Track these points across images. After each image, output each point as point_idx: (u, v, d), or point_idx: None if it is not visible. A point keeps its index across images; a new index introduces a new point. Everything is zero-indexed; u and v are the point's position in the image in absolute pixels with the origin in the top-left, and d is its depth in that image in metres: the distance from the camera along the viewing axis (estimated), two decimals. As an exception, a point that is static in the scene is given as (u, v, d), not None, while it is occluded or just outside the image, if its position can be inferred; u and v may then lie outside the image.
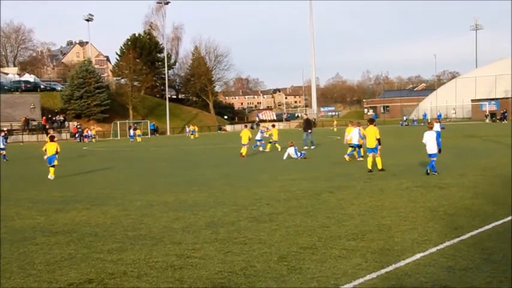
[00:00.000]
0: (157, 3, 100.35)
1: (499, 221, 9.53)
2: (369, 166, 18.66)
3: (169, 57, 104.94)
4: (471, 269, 6.78)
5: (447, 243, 8.10)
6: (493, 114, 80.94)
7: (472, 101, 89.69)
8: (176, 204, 13.14)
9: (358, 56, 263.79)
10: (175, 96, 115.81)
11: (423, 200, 12.27)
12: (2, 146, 32.68)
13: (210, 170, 22.02)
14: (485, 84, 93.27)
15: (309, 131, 33.66)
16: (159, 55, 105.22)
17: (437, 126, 18.88)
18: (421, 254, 7.55)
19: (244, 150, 28.79)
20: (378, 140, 18.73)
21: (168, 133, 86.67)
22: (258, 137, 32.99)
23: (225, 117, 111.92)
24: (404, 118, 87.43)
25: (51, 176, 20.57)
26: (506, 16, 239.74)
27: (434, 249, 7.79)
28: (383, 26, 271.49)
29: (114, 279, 6.97)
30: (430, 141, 17.26)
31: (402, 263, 7.16)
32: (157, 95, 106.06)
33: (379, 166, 18.73)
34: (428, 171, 17.10)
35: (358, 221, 10.07)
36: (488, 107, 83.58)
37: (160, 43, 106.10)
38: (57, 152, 20.89)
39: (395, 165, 20.25)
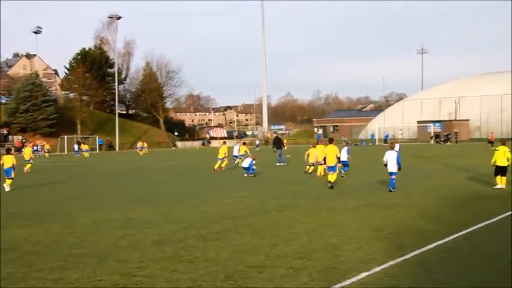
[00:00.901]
0: (109, 17, 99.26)
1: (441, 241, 9.76)
2: (331, 180, 19.29)
3: (120, 72, 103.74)
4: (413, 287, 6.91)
5: (391, 262, 8.24)
6: (437, 136, 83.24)
7: (418, 122, 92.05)
8: (123, 221, 12.91)
9: (309, 75, 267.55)
10: (125, 112, 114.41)
11: (369, 219, 12.46)
12: None
13: (158, 187, 21.77)
14: (430, 106, 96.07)
15: (283, 148, 35.07)
16: (109, 70, 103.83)
17: (397, 147, 19.94)
18: (366, 273, 7.65)
19: (217, 165, 29.24)
20: (338, 158, 19.60)
21: (117, 149, 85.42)
22: (236, 152, 32.43)
23: (176, 133, 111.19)
24: (343, 138, 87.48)
25: (7, 186, 20.86)
26: (450, 42, 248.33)
27: (378, 269, 7.90)
28: (333, 47, 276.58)
29: (54, 299, 6.77)
30: (390, 160, 17.96)
31: (347, 282, 7.24)
32: (107, 110, 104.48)
33: (333, 180, 19.27)
34: (392, 190, 17.74)
35: (306, 240, 10.13)
36: (433, 129, 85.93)
37: (111, 58, 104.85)
38: (13, 165, 21.17)
39: (342, 185, 20.51)
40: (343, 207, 14.58)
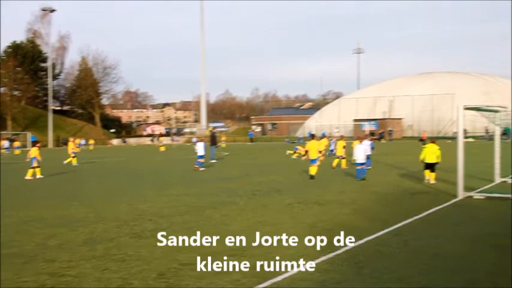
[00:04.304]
0: (42, 10, 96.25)
1: (371, 236, 10.01)
2: (312, 173, 21.35)
3: (53, 67, 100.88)
4: (343, 282, 7.06)
5: (323, 258, 8.37)
6: (372, 134, 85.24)
7: (354, 120, 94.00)
8: (54, 220, 12.57)
9: (248, 73, 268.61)
10: (59, 108, 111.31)
11: (303, 216, 12.63)
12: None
13: (93, 184, 21.32)
14: (365, 105, 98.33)
15: (217, 144, 35.38)
16: (42, 64, 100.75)
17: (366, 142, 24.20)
18: (298, 269, 7.73)
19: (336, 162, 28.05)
20: (320, 151, 21.64)
21: (51, 146, 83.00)
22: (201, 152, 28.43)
23: (112, 130, 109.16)
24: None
25: (29, 176, 24.42)
26: (385, 42, 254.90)
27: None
28: (272, 45, 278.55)
29: (-23, 301, 6.51)
30: (359, 152, 20.98)
31: (279, 278, 7.31)
32: (40, 106, 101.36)
33: (313, 173, 21.24)
34: (364, 178, 20.60)
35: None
36: (368, 127, 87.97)
37: (44, 52, 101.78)
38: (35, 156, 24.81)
39: (279, 182, 20.73)
40: (278, 204, 14.71)
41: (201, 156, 27.75)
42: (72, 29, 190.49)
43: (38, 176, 24.83)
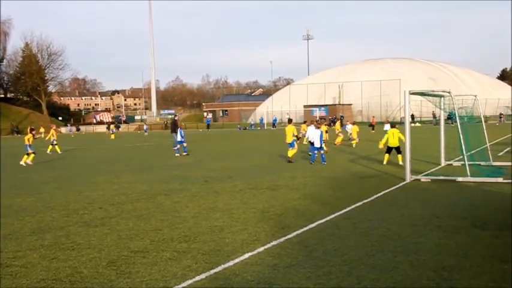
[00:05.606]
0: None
1: (322, 220, 10.17)
2: (290, 155, 22.61)
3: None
4: (294, 265, 7.15)
5: (274, 243, 8.47)
6: (324, 120, 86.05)
7: (305, 106, 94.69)
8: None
9: (198, 59, 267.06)
10: (3, 95, 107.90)
11: (255, 201, 12.70)
12: None
13: (41, 173, 20.84)
14: (316, 91, 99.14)
15: (177, 132, 34.97)
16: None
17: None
18: (250, 254, 7.81)
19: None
20: (296, 136, 22.91)
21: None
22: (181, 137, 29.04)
23: (60, 118, 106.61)
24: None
25: (23, 162, 25.08)
26: (335, 28, 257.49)
27: (262, 249, 8.09)
28: (222, 31, 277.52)
29: None
30: (316, 137, 21.67)
31: (231, 263, 7.35)
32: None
33: (290, 156, 22.50)
34: (312, 162, 21.41)
35: (191, 223, 10.15)
36: (318, 113, 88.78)
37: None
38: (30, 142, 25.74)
39: (231, 168, 20.75)
40: (230, 190, 14.74)
41: (181, 142, 28.94)
42: (14, 14, 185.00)
43: (28, 161, 25.58)
